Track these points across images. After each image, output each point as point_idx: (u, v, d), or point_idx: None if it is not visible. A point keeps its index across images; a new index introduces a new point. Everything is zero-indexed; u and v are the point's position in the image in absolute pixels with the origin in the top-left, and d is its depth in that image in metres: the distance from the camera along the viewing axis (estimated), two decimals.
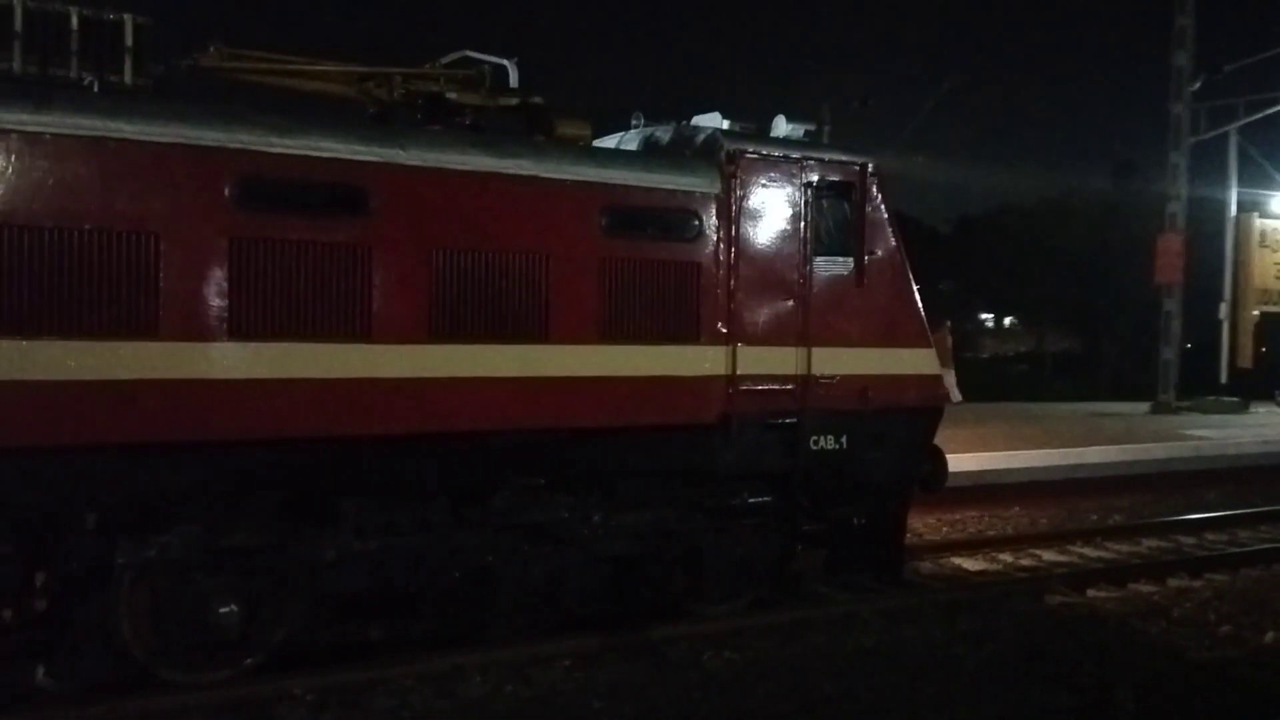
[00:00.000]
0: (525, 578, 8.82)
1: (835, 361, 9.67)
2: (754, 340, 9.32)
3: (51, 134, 6.93)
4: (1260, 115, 28.22)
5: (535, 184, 8.46)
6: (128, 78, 7.54)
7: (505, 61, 9.33)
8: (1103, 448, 18.93)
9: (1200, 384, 29.41)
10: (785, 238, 9.50)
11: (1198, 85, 27.99)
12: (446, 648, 8.50)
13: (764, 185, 9.42)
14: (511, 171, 8.38)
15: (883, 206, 10.01)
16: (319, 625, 8.19)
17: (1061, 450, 18.16)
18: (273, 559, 7.87)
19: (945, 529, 14.38)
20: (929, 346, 10.33)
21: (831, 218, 9.73)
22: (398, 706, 7.66)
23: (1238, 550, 13.36)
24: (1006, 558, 12.88)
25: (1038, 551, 13.18)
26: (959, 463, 13.66)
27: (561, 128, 9.20)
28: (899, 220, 10.35)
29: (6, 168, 6.82)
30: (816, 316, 9.59)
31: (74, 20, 7.35)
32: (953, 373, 10.70)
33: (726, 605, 9.74)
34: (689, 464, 9.25)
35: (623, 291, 8.78)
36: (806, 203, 9.57)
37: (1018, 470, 16.83)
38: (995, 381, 36.42)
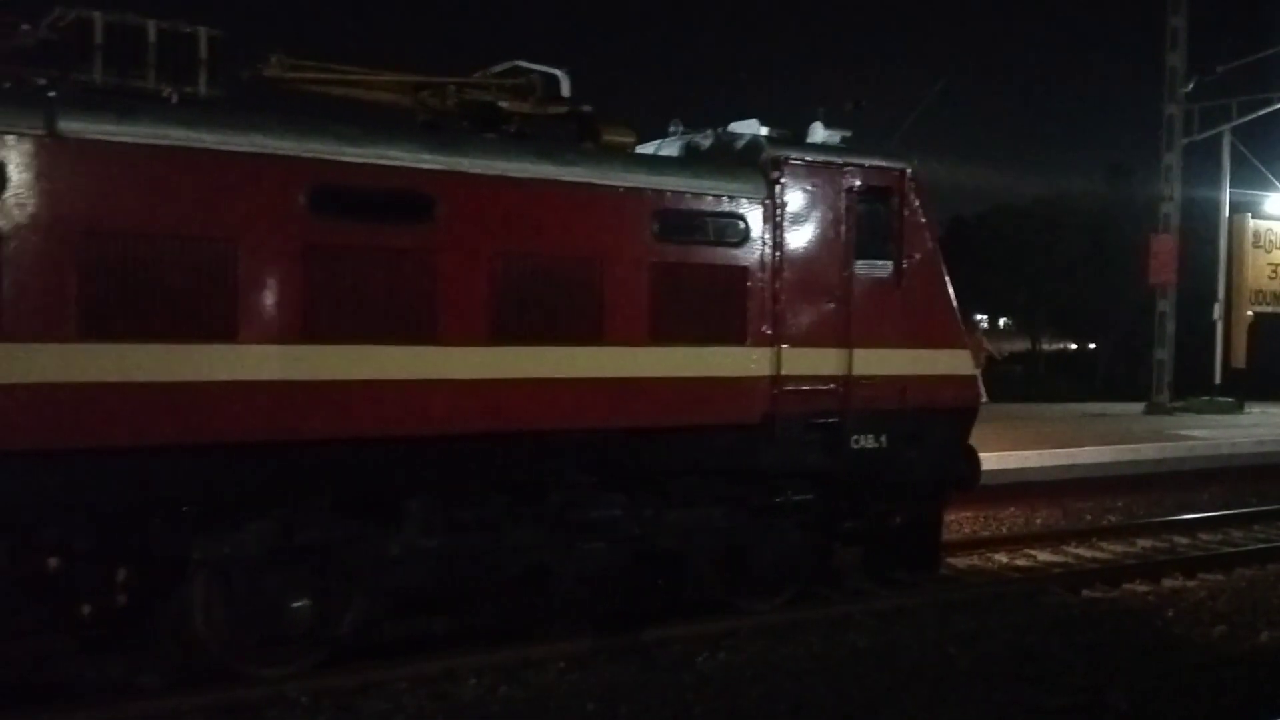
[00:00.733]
0: (579, 573, 8.99)
1: (875, 362, 9.87)
2: (798, 342, 9.53)
3: (135, 144, 7.12)
4: (1253, 116, 28.28)
5: (591, 190, 8.72)
6: (202, 89, 7.75)
7: (557, 71, 9.54)
8: (1097, 448, 18.95)
9: (1194, 384, 29.45)
10: (827, 241, 9.72)
11: (1191, 86, 28.04)
12: (441, 650, 8.50)
13: (807, 190, 9.64)
14: (568, 178, 8.65)
15: (920, 210, 10.25)
16: (381, 620, 8.40)
17: (1056, 451, 18.18)
18: (341, 555, 8.06)
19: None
20: (965, 348, 10.62)
21: (872, 221, 9.94)
22: (391, 710, 7.65)
23: (1232, 550, 13.39)
24: (1001, 558, 12.90)
25: (1032, 552, 13.21)
26: None
27: (608, 135, 9.48)
28: (935, 223, 10.58)
29: (93, 177, 7.01)
30: (857, 318, 9.80)
31: (151, 33, 7.55)
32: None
33: (769, 601, 9.95)
34: (734, 463, 9.44)
35: (673, 295, 9.00)
36: (848, 207, 9.79)
37: (1012, 470, 16.84)
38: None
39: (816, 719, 7.60)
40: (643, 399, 8.88)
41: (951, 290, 10.46)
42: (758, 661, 8.72)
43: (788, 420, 9.47)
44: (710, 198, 9.20)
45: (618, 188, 8.82)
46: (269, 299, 7.50)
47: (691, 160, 9.84)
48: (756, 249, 9.36)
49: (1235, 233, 29.58)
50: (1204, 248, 30.11)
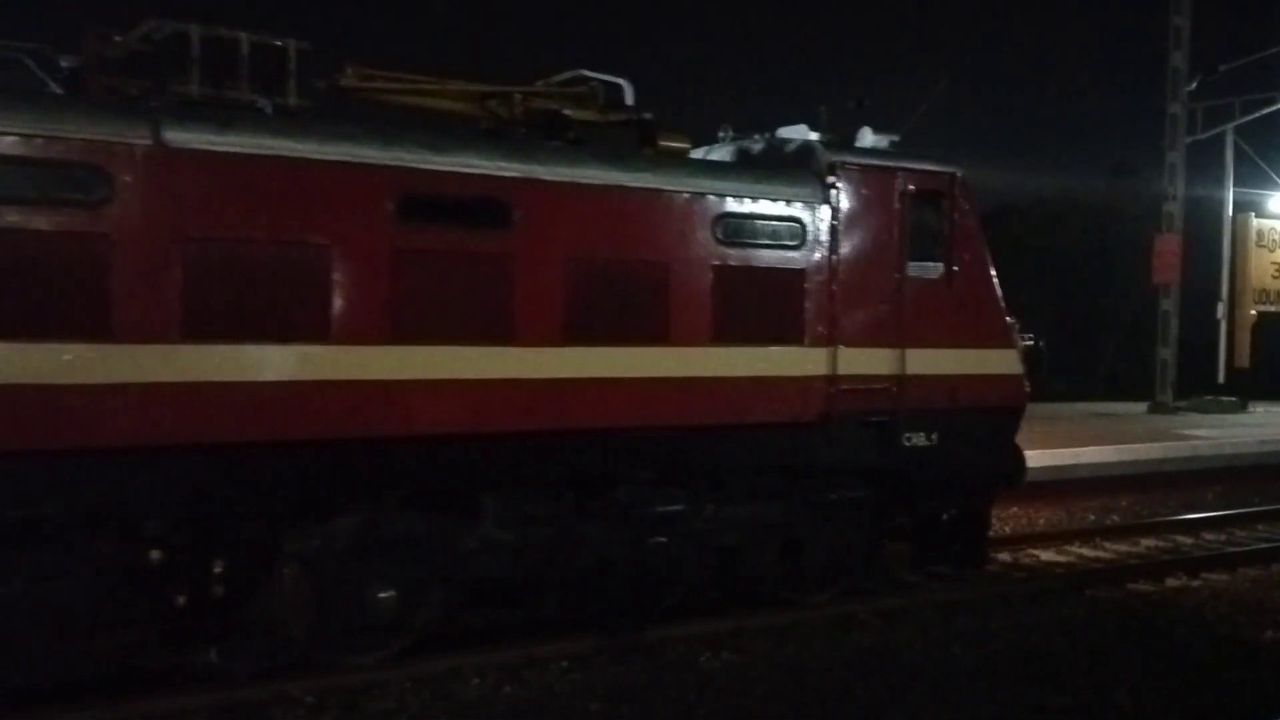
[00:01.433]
0: (644, 567, 9.21)
1: (928, 362, 10.12)
2: (853, 342, 9.76)
3: (235, 153, 7.38)
4: (1256, 115, 28.27)
5: (658, 196, 8.97)
6: (291, 99, 7.99)
7: (620, 81, 9.82)
8: (1100, 448, 18.94)
9: (1197, 384, 29.42)
10: (881, 244, 9.95)
11: (1194, 85, 28.02)
12: (444, 650, 8.51)
13: (862, 194, 9.87)
14: (637, 184, 8.90)
15: (969, 213, 10.52)
16: (456, 611, 8.68)
17: (1059, 450, 18.16)
18: (423, 548, 8.34)
19: None
20: (1013, 347, 10.84)
21: (923, 224, 10.18)
22: (395, 709, 7.65)
23: (1236, 550, 13.36)
24: (1004, 558, 12.87)
25: (1035, 552, 13.19)
26: None
27: (664, 141, 9.70)
28: (982, 225, 10.80)
29: (196, 185, 7.24)
30: (910, 319, 10.03)
31: (244, 45, 7.80)
32: None
33: (822, 594, 10.20)
34: (791, 459, 9.69)
35: (734, 296, 9.25)
36: (900, 210, 10.03)
37: None
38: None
39: (820, 719, 7.60)
40: (706, 398, 9.15)
41: (1000, 291, 10.74)
42: (761, 661, 8.72)
43: (843, 418, 9.72)
44: (769, 202, 9.47)
45: (683, 193, 9.08)
46: (359, 302, 7.77)
47: (751, 165, 10.07)
48: (814, 251, 9.63)
49: (1239, 232, 29.57)
50: (1207, 247, 30.08)
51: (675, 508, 9.26)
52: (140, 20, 7.81)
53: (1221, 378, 29.36)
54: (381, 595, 8.14)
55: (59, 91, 7.63)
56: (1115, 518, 15.60)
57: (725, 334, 9.19)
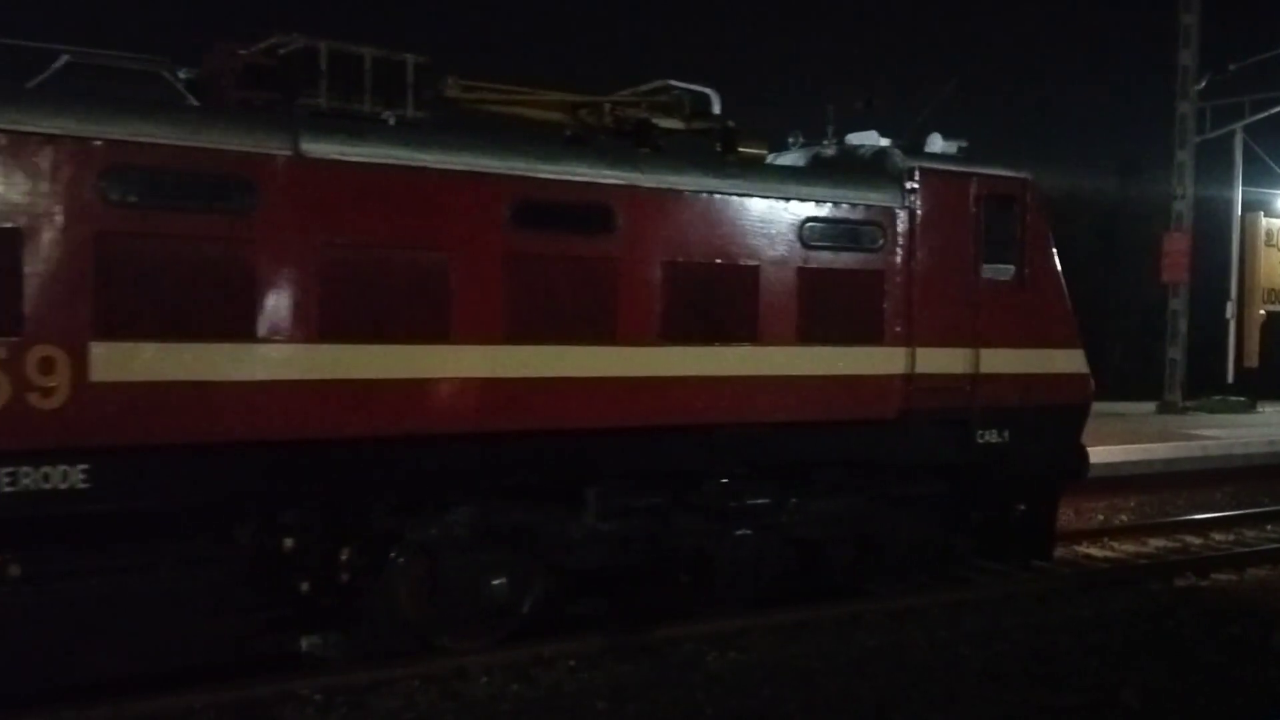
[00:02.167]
0: (732, 559, 9.57)
1: (1000, 361, 10.48)
2: (930, 342, 10.14)
3: (365, 163, 7.80)
4: (1266, 114, 28.17)
5: (747, 201, 9.33)
6: (410, 111, 8.35)
7: (708, 90, 10.19)
8: (1108, 447, 18.88)
9: (1206, 384, 29.33)
10: (957, 247, 10.31)
11: (1203, 84, 27.94)
12: (449, 651, 8.53)
13: (939, 199, 10.22)
14: (728, 190, 9.27)
15: (1039, 217, 10.88)
16: (557, 599, 9.08)
17: None
18: (531, 538, 8.75)
19: None
20: (1079, 347, 11.21)
21: (996, 228, 10.53)
22: (402, 707, 7.67)
23: (1245, 550, 13.33)
24: None
25: None
26: None
27: (743, 147, 10.01)
28: (1050, 229, 11.13)
29: (330, 193, 7.68)
30: (984, 320, 10.38)
31: (367, 60, 8.19)
32: None
33: (896, 586, 10.61)
34: (871, 456, 10.07)
35: (819, 298, 9.61)
36: (975, 214, 10.38)
37: None
38: None
39: (827, 719, 7.60)
40: (792, 396, 9.51)
41: (1067, 293, 11.03)
42: (768, 661, 8.72)
43: (920, 416, 10.08)
44: (851, 206, 9.82)
45: (771, 198, 9.43)
46: (477, 304, 8.17)
47: (832, 171, 10.35)
48: (893, 254, 9.97)
49: (1248, 231, 29.48)
50: (1216, 246, 29.99)
51: (762, 501, 9.66)
52: (250, 34, 8.28)
53: (1230, 377, 29.26)
54: (495, 582, 8.55)
55: (196, 104, 7.87)
56: (1124, 518, 15.57)
57: (810, 334, 9.56)
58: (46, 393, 6.83)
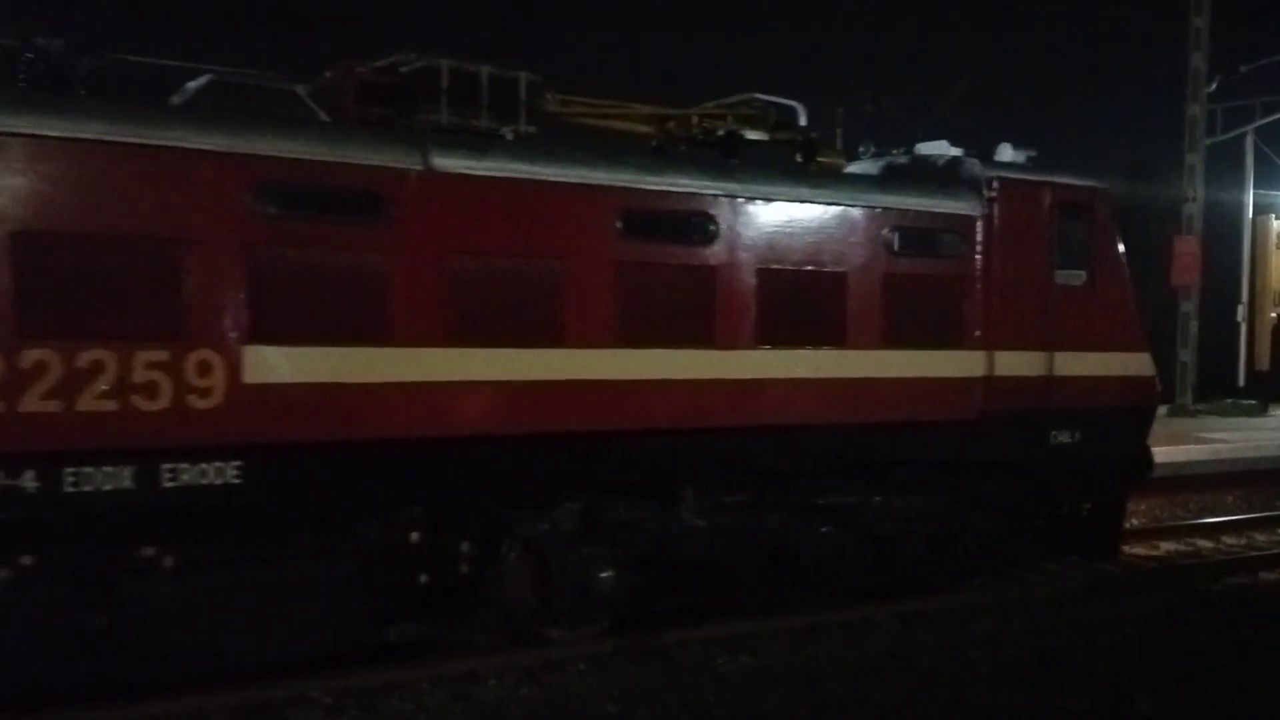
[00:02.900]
0: (817, 554, 9.87)
1: (1073, 364, 10.85)
2: (1007, 345, 10.51)
3: (489, 177, 8.24)
4: (1277, 117, 28.10)
5: (836, 210, 9.71)
6: (523, 126, 8.75)
7: (794, 104, 10.59)
8: None
9: (1217, 387, 29.24)
10: (1032, 253, 10.70)
11: (1214, 86, 27.87)
12: (461, 652, 8.54)
13: (1016, 207, 10.60)
14: (818, 200, 9.66)
15: (1110, 225, 11.25)
16: (653, 591, 9.31)
17: None
18: (633, 532, 9.08)
19: None
20: (1146, 351, 11.61)
21: (1070, 235, 10.93)
22: (413, 710, 7.69)
23: (1257, 554, 13.28)
24: None
25: None
26: None
27: (823, 157, 10.49)
28: (1119, 236, 11.43)
29: (458, 206, 8.11)
30: (1058, 324, 10.77)
31: (484, 78, 8.58)
32: None
33: (968, 580, 10.92)
34: (949, 455, 10.41)
35: (903, 302, 9.99)
36: (1050, 222, 10.78)
37: None
38: None
39: None
40: (878, 397, 9.89)
41: (1135, 297, 11.38)
42: (778, 664, 8.72)
43: (997, 417, 10.45)
44: (933, 214, 10.21)
45: (858, 206, 9.82)
46: (589, 309, 8.60)
47: (917, 180, 10.59)
48: (972, 260, 10.37)
49: (1259, 234, 29.41)
50: (1227, 249, 29.91)
51: (846, 499, 10.05)
52: (361, 52, 8.72)
53: (1241, 380, 29.17)
54: (603, 575, 8.84)
55: (327, 121, 8.22)
56: (1135, 521, 15.49)
57: (895, 338, 9.94)
58: (204, 393, 7.28)
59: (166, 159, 7.19)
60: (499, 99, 8.57)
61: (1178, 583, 11.74)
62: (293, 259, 7.55)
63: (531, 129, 8.77)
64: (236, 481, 7.37)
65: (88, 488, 6.96)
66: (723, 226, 9.16)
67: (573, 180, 8.55)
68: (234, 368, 7.35)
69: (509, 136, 8.64)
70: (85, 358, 6.93)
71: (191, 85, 7.92)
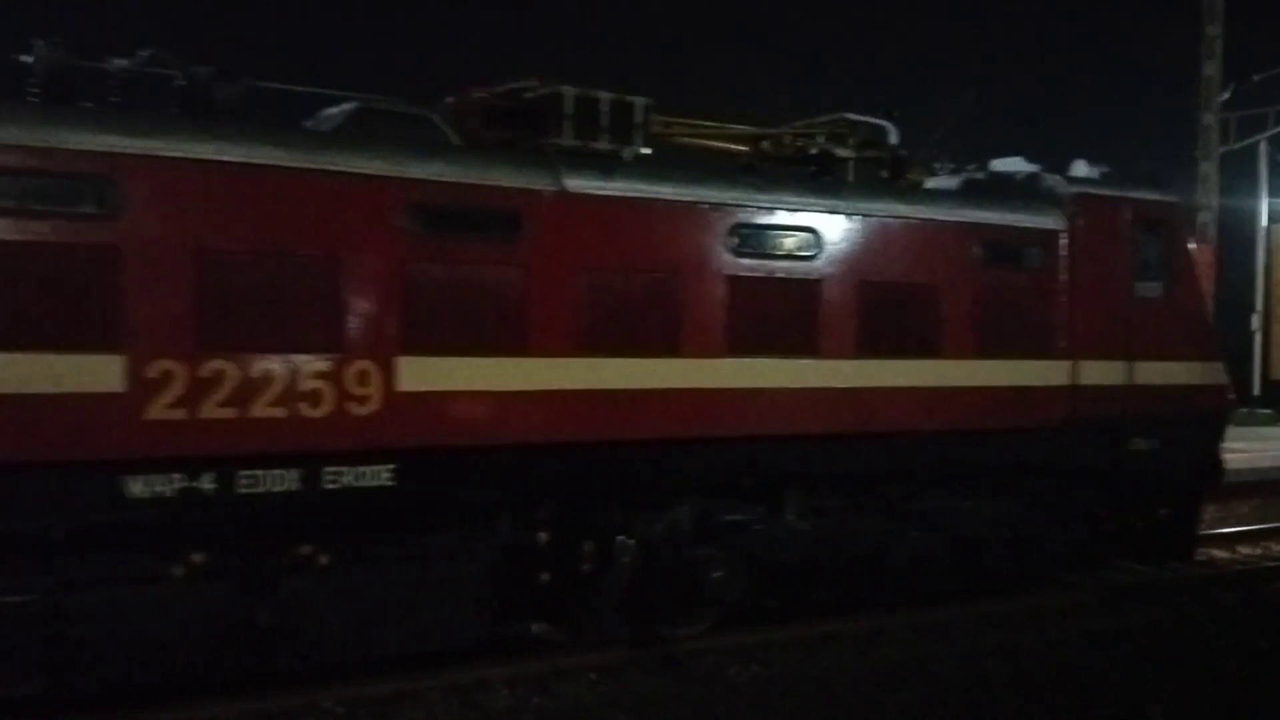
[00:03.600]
0: (909, 557, 10.19)
1: (1151, 373, 11.21)
2: (1090, 355, 10.88)
3: (616, 196, 8.72)
4: None
5: (931, 226, 10.12)
6: (639, 148, 9.19)
7: (885, 123, 10.92)
8: None
9: None
10: (1113, 266, 11.06)
11: (1227, 95, 27.78)
12: (472, 661, 8.54)
13: (1097, 221, 10.97)
14: (915, 215, 10.08)
15: (1184, 238, 11.65)
16: (754, 591, 9.61)
17: None
18: (741, 534, 9.37)
19: None
20: (1220, 360, 11.99)
21: (1147, 248, 11.33)
22: (424, 719, 7.68)
23: (1272, 564, 13.20)
24: None
25: None
26: None
27: (909, 174, 10.90)
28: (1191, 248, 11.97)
29: (588, 225, 8.52)
30: (1137, 334, 11.11)
31: (604, 102, 9.02)
32: None
33: (1048, 584, 11.22)
34: (1035, 461, 10.70)
35: (993, 313, 10.36)
36: (1129, 236, 11.17)
37: None
38: None
39: None
40: (970, 406, 10.22)
41: (1207, 308, 11.73)
42: (790, 674, 8.70)
43: (1080, 424, 10.77)
44: (1021, 229, 10.59)
45: (950, 221, 10.22)
46: (704, 321, 8.99)
47: (1003, 196, 10.92)
48: (1057, 273, 10.73)
49: (1273, 243, 29.28)
50: (1241, 258, 29.78)
51: (936, 504, 10.34)
52: (484, 77, 9.26)
53: (1256, 389, 29.01)
54: (715, 575, 9.17)
55: (458, 143, 8.66)
56: None
57: (986, 348, 10.31)
58: (362, 401, 7.74)
59: (330, 182, 7.71)
60: (617, 122, 9.04)
61: (1192, 593, 11.67)
62: (439, 275, 8.04)
63: (646, 150, 9.24)
64: (390, 483, 7.83)
65: (259, 489, 7.44)
66: (826, 241, 9.54)
67: (688, 198, 9.00)
68: (388, 376, 7.82)
69: (629, 158, 9.11)
70: (258, 367, 7.41)
71: (333, 111, 8.47)
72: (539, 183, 8.43)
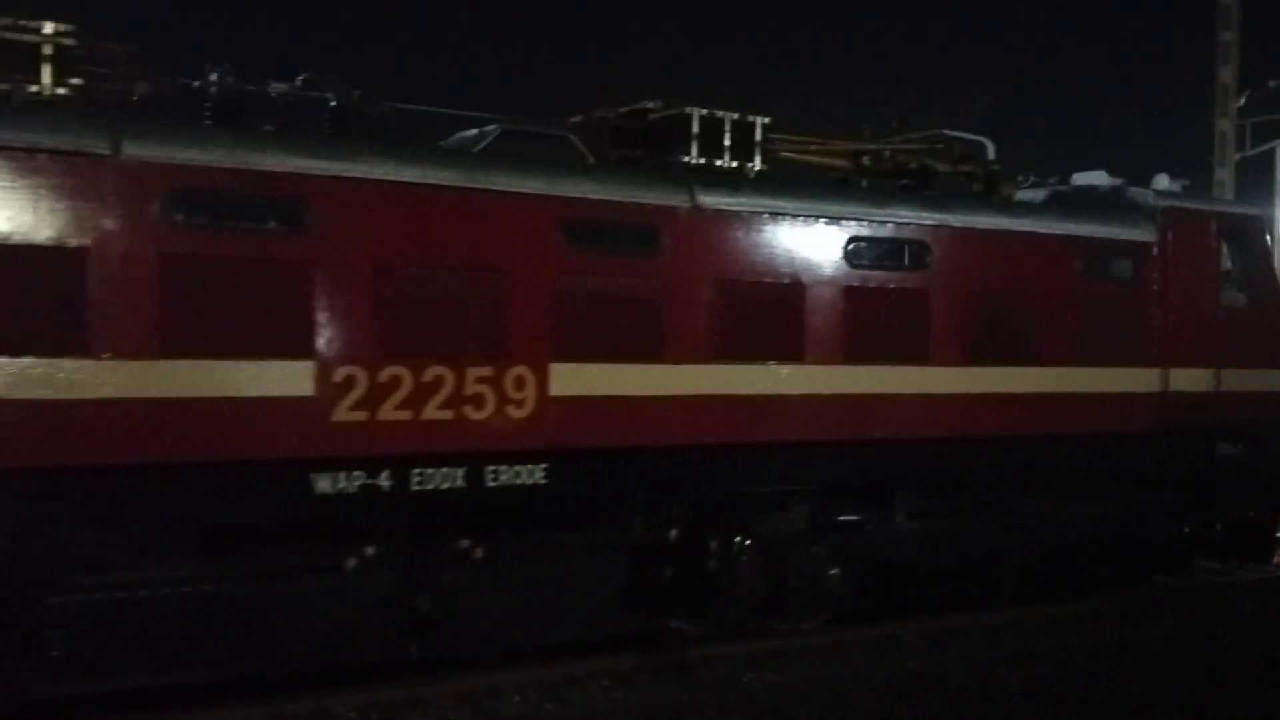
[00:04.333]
0: (1007, 557, 10.58)
1: (1237, 380, 11.58)
2: (1179, 363, 11.24)
3: (743, 211, 9.11)
4: None
5: (1033, 238, 10.52)
6: (757, 164, 9.55)
7: (984, 139, 11.43)
8: None
9: None
10: (1201, 277, 11.48)
11: (1243, 100, 27.64)
12: (484, 667, 8.54)
13: (1187, 234, 11.39)
14: (1017, 228, 10.47)
15: (1266, 248, 12.20)
16: (863, 590, 9.95)
17: None
18: (854, 534, 9.82)
19: None
20: None
21: (1231, 259, 11.78)
22: None
23: None
24: None
25: None
26: None
27: (1002, 188, 11.21)
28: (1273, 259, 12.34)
29: (717, 238, 8.98)
30: (1223, 342, 11.50)
31: (727, 122, 9.42)
32: None
33: (1137, 583, 11.57)
34: (1128, 466, 11.07)
35: (1089, 323, 10.74)
36: (1215, 248, 11.61)
37: None
38: None
39: None
40: (1067, 411, 10.57)
41: None
42: (804, 682, 8.67)
43: (1170, 430, 11.12)
44: (1116, 242, 11.00)
45: (1051, 234, 10.61)
46: (823, 329, 9.40)
47: (1099, 210, 11.25)
48: (1149, 283, 11.12)
49: None
50: None
51: (1034, 506, 10.67)
52: (605, 99, 9.74)
53: None
54: (831, 572, 9.61)
55: (594, 162, 9.10)
56: None
57: (1083, 356, 10.68)
58: (519, 404, 8.24)
59: (495, 200, 8.23)
60: (738, 140, 9.47)
61: (1208, 601, 11.60)
62: (586, 286, 8.53)
63: (764, 167, 9.60)
64: (544, 482, 8.33)
65: (429, 486, 7.96)
66: (936, 253, 9.95)
67: (809, 212, 9.39)
68: (543, 382, 8.33)
69: (750, 174, 9.51)
70: (430, 373, 7.90)
71: (473, 132, 8.95)
72: (675, 199, 8.89)
